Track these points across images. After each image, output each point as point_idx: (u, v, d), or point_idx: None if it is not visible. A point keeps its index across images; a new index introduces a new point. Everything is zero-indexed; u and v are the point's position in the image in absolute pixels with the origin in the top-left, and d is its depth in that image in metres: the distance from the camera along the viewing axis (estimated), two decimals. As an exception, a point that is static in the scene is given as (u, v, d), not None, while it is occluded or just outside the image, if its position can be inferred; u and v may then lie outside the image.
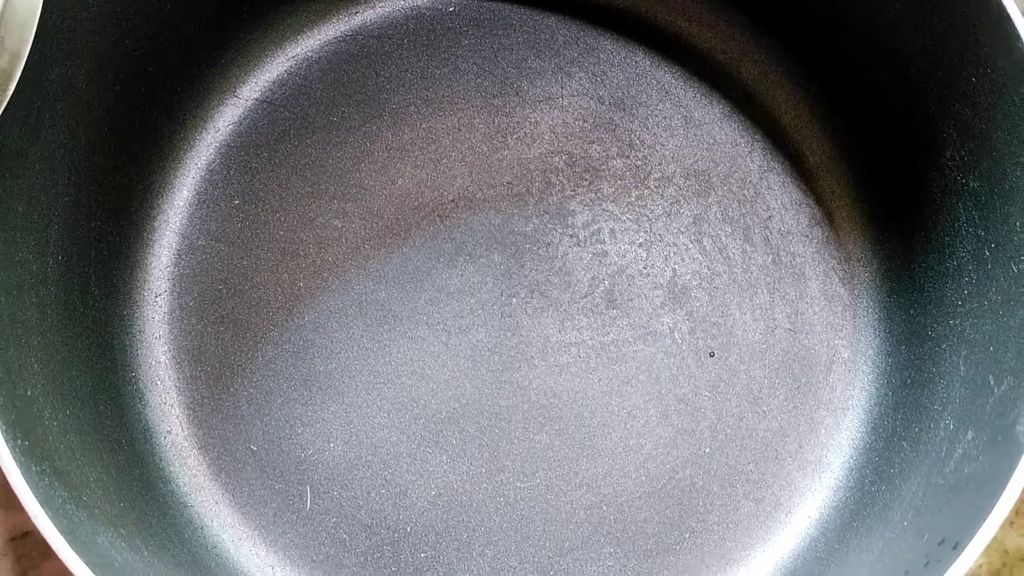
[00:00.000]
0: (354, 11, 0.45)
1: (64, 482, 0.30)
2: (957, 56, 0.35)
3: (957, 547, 0.28)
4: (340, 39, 0.45)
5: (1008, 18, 0.32)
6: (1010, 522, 0.41)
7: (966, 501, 0.29)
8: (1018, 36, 0.32)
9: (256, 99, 0.44)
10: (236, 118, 0.44)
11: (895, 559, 0.32)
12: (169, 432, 0.40)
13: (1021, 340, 0.31)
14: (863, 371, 0.41)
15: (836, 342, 0.41)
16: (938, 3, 0.35)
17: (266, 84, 0.44)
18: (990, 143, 0.34)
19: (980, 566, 0.40)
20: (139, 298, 0.41)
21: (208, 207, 0.43)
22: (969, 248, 0.36)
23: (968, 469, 0.31)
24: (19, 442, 0.29)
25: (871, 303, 0.41)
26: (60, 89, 0.36)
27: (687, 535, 0.39)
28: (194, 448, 0.40)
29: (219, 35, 0.43)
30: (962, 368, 0.35)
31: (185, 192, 0.43)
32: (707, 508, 0.39)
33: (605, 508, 0.39)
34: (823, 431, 0.40)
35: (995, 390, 0.32)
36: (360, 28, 0.45)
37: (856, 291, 0.42)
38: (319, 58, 0.45)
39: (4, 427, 0.29)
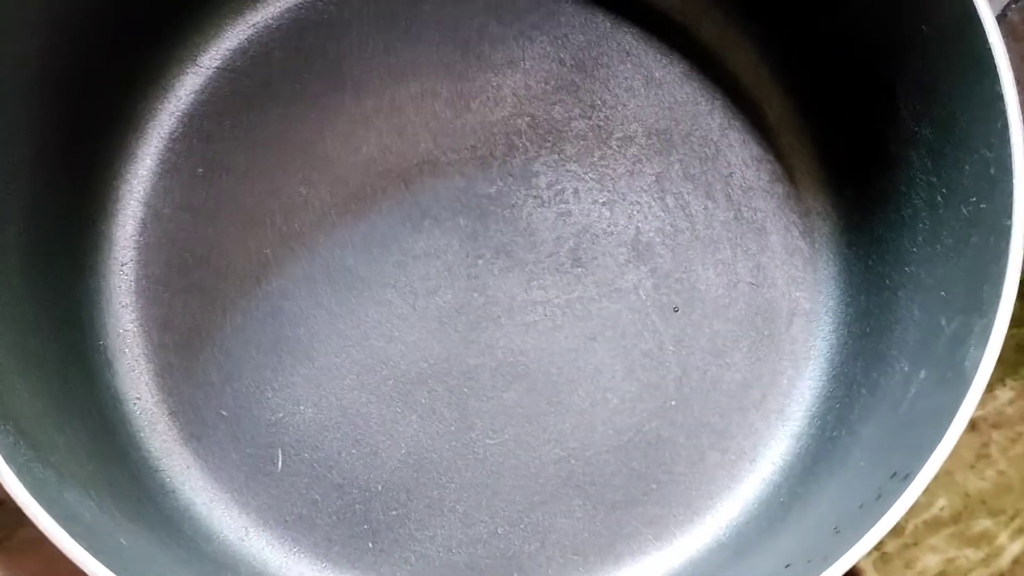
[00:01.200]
0: (314, -22, 0.45)
1: (31, 443, 0.31)
2: (907, 7, 0.36)
3: (907, 478, 0.28)
4: (300, 6, 0.45)
5: (954, -35, 0.32)
6: (971, 466, 0.42)
7: (918, 435, 0.30)
8: (963, -17, 0.32)
9: (217, 67, 0.44)
10: (197, 87, 0.44)
11: (851, 495, 0.33)
12: (139, 399, 0.40)
13: (970, 280, 0.32)
14: (824, 321, 0.41)
15: (797, 294, 0.42)
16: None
17: (227, 52, 0.44)
18: (940, 91, 0.35)
19: (942, 508, 0.41)
20: (105, 268, 0.41)
21: (172, 176, 0.43)
22: (923, 195, 0.36)
23: (920, 405, 0.32)
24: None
25: (830, 255, 0.42)
26: (14, 63, 0.36)
27: (654, 486, 0.40)
28: (164, 415, 0.40)
29: (178, 2, 0.43)
30: (916, 313, 0.35)
31: (148, 162, 0.43)
32: (673, 459, 0.40)
33: (573, 462, 0.40)
34: (785, 381, 0.41)
35: (945, 330, 0.32)
36: (321, -5, 0.45)
37: (816, 244, 0.42)
38: (279, 26, 0.45)
39: (-32, 388, 0.29)
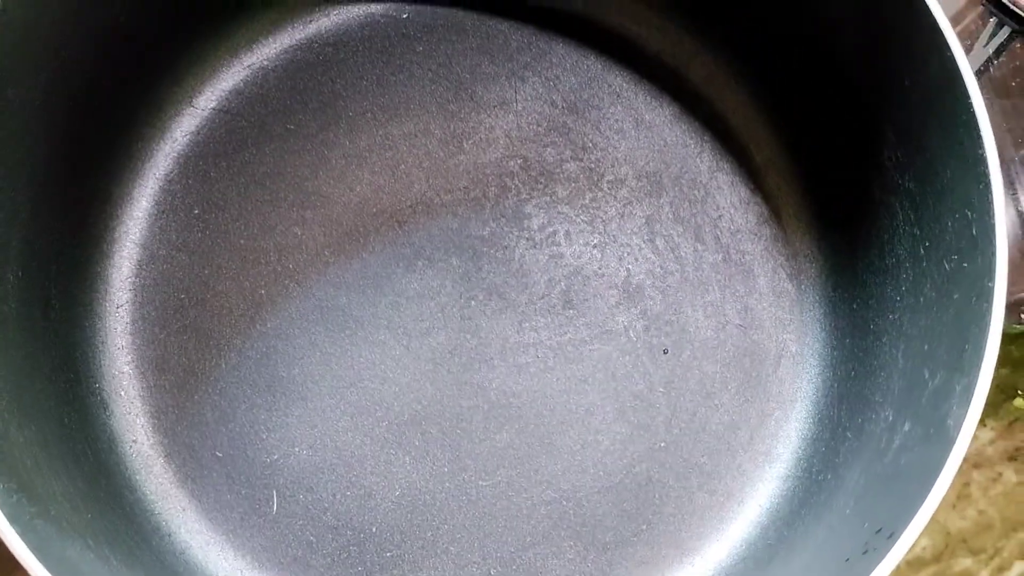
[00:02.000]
0: (309, 19, 0.46)
1: (31, 496, 0.31)
2: (892, 61, 0.37)
3: (892, 536, 0.29)
4: (296, 47, 0.46)
5: (938, 28, 0.33)
6: (952, 505, 0.43)
7: (902, 491, 0.31)
8: (947, 45, 0.33)
9: (213, 108, 0.45)
10: (193, 128, 0.44)
11: (838, 546, 0.33)
12: (135, 441, 0.40)
13: (952, 336, 0.33)
14: (810, 364, 0.42)
15: (784, 336, 0.43)
16: (873, 13, 0.36)
17: (223, 93, 0.45)
18: (923, 144, 0.36)
19: (924, 548, 0.42)
20: (101, 310, 0.41)
21: (168, 217, 0.43)
22: (906, 246, 0.37)
23: (904, 460, 0.33)
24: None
25: (817, 298, 0.43)
26: (17, 105, 0.36)
27: (644, 527, 0.40)
28: (160, 456, 0.41)
29: (174, 45, 0.43)
30: (900, 361, 0.36)
31: (144, 203, 0.43)
32: (663, 500, 0.41)
33: (565, 503, 0.41)
34: (773, 423, 0.42)
35: (929, 383, 0.33)
36: (315, 36, 0.46)
37: (803, 287, 0.43)
38: (275, 67, 0.45)
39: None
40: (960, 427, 0.30)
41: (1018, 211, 0.42)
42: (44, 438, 0.35)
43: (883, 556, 0.29)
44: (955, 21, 0.42)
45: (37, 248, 0.39)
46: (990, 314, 0.31)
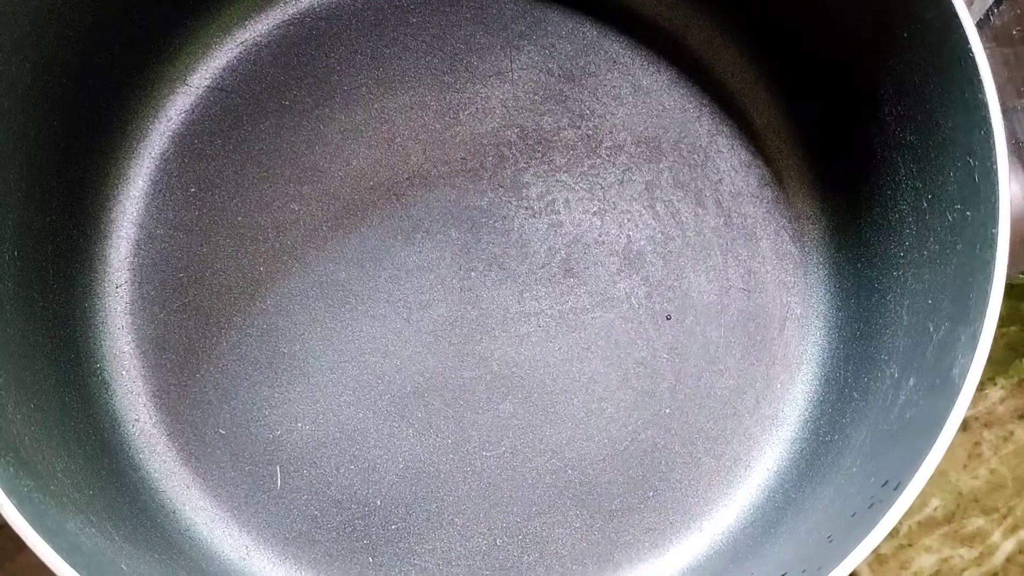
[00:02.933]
0: (301, -7, 0.45)
1: (30, 472, 0.31)
2: (889, 13, 0.36)
3: (899, 487, 0.29)
4: (288, 22, 0.45)
5: (935, -26, 0.32)
6: (963, 465, 0.42)
7: (908, 444, 0.30)
8: (945, -9, 0.32)
9: (207, 86, 0.44)
10: (188, 106, 0.44)
11: (844, 502, 0.33)
12: (137, 420, 0.40)
13: (956, 287, 0.32)
14: (815, 326, 0.42)
15: (788, 299, 0.42)
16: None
17: (216, 70, 0.45)
18: (923, 96, 0.35)
19: (935, 509, 0.42)
20: (100, 290, 0.41)
21: (164, 196, 0.43)
22: (909, 200, 0.37)
23: (910, 414, 0.32)
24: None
25: (820, 259, 0.42)
26: (6, 85, 0.36)
27: (651, 494, 0.40)
28: (163, 435, 0.41)
29: (166, 23, 0.43)
30: (905, 318, 0.36)
31: (140, 182, 0.43)
32: (669, 466, 0.40)
33: (570, 472, 0.40)
34: (779, 386, 0.41)
35: (934, 337, 0.33)
36: (308, 10, 0.45)
37: (806, 248, 0.43)
38: (268, 42, 0.45)
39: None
40: (966, 375, 0.29)
41: None
42: (44, 417, 0.35)
43: (889, 507, 0.28)
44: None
45: (33, 229, 0.39)
46: (994, 261, 0.30)
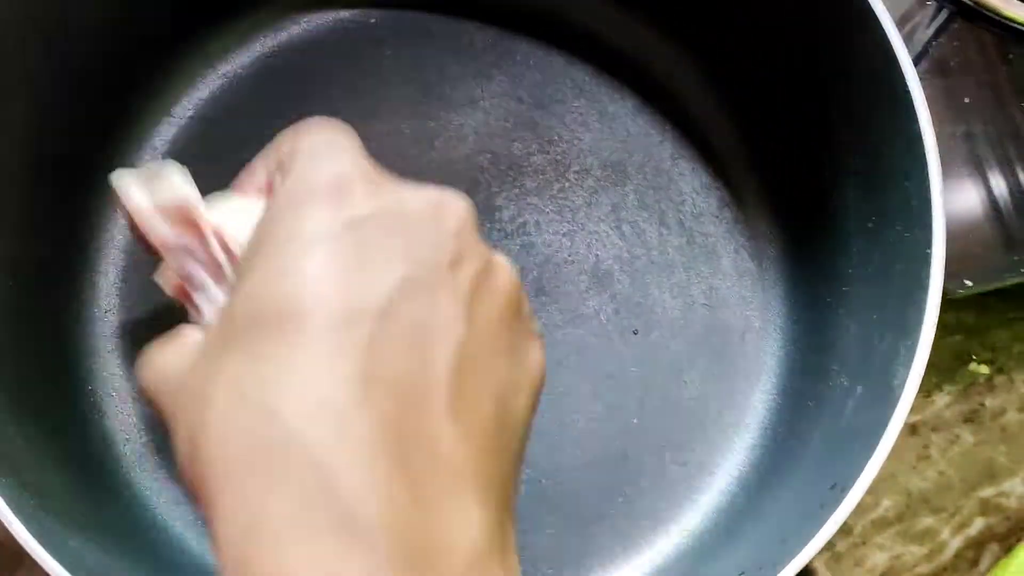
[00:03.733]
0: (280, 27, 0.47)
1: (33, 491, 0.32)
2: (835, 51, 0.39)
3: (844, 490, 0.31)
4: (268, 55, 0.47)
5: (875, 17, 0.35)
6: (912, 467, 0.45)
7: (854, 448, 0.33)
8: (883, 32, 0.35)
9: (190, 117, 0.46)
10: (171, 136, 0.46)
11: (798, 505, 0.35)
12: (128, 440, 0.42)
13: (897, 302, 0.35)
14: (773, 338, 0.44)
15: (748, 313, 0.45)
16: (813, 6, 0.38)
17: (199, 102, 0.46)
18: (867, 126, 0.38)
19: (887, 509, 0.44)
20: (89, 315, 0.43)
21: (151, 224, 0.44)
22: (856, 221, 0.39)
23: (857, 420, 0.35)
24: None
25: (777, 276, 0.45)
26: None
27: (620, 500, 0.42)
28: (152, 453, 0.42)
29: (150, 56, 0.45)
30: (853, 330, 0.38)
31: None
32: (638, 474, 0.43)
33: (544, 482, 0.42)
34: (740, 396, 0.43)
35: (878, 348, 0.35)
36: (287, 43, 0.47)
37: (764, 265, 0.45)
38: (248, 74, 0.47)
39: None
40: (904, 384, 0.32)
41: (991, 196, 0.44)
42: (42, 437, 0.37)
43: (835, 508, 0.31)
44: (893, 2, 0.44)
45: (23, 260, 0.40)
46: (929, 278, 0.33)
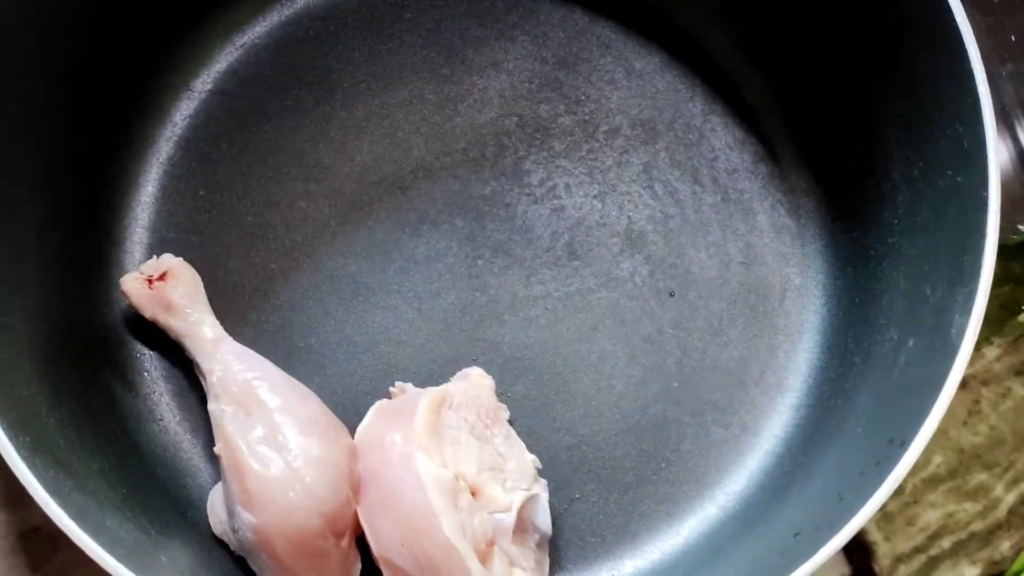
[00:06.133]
0: (297, -6, 0.46)
1: (68, 472, 0.32)
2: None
3: (903, 444, 0.30)
4: (286, 24, 0.46)
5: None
6: (963, 422, 0.44)
7: (911, 402, 0.32)
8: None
9: (210, 90, 0.45)
10: (192, 111, 0.45)
11: (851, 463, 0.34)
12: (160, 419, 0.41)
13: (950, 250, 0.34)
14: (814, 295, 0.43)
15: (787, 270, 0.43)
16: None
17: (218, 75, 0.45)
18: (910, 67, 0.36)
19: (938, 465, 0.43)
20: (117, 295, 0.42)
21: (174, 200, 0.44)
22: (900, 170, 0.38)
23: (911, 374, 0.33)
24: (21, 439, 0.30)
25: (817, 230, 0.44)
26: (18, 105, 0.37)
27: (663, 465, 0.41)
28: (186, 432, 0.42)
29: (169, 31, 0.44)
30: (902, 282, 0.37)
31: (150, 188, 0.44)
32: (680, 438, 0.42)
33: (584, 448, 0.41)
34: (782, 355, 0.42)
35: (931, 299, 0.34)
36: (304, 11, 0.46)
37: (802, 220, 0.44)
38: (267, 44, 0.46)
39: (6, 426, 0.30)
40: (964, 334, 0.31)
41: (1019, 147, 0.42)
42: (75, 419, 0.36)
43: (895, 464, 0.30)
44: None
45: (51, 240, 0.40)
46: (986, 222, 0.31)
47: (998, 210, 0.31)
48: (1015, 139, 0.42)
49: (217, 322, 0.40)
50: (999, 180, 0.31)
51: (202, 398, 0.41)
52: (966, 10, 0.34)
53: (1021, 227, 0.40)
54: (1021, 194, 0.42)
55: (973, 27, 0.34)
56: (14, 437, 0.30)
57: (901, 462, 0.30)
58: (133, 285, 0.40)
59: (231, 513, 0.36)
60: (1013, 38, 0.40)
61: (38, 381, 0.35)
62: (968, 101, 0.32)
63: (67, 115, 0.40)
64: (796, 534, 0.34)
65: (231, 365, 0.38)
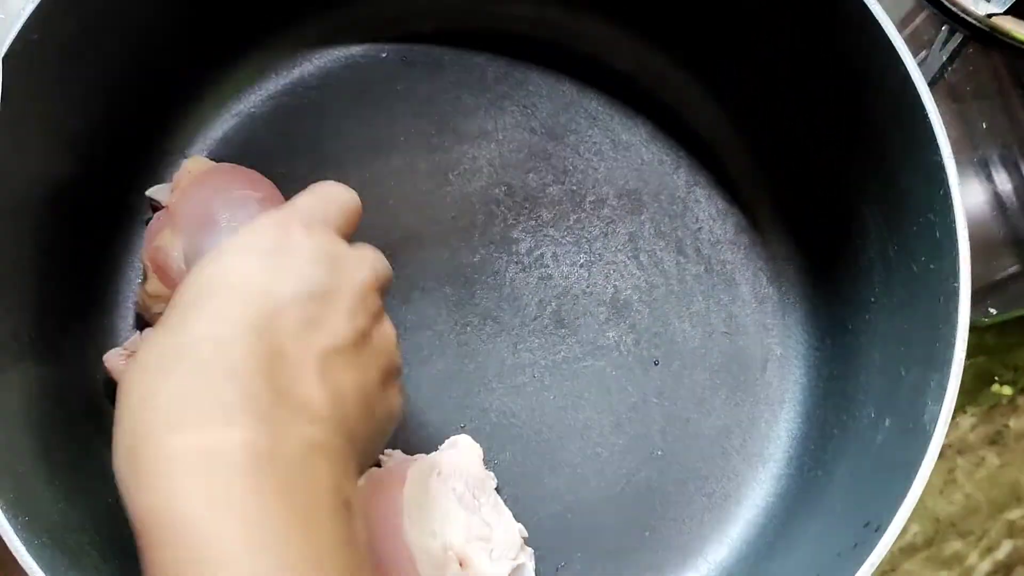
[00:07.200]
0: (292, 65, 0.47)
1: (63, 549, 0.32)
2: (851, 77, 0.39)
3: (879, 529, 0.31)
4: (281, 93, 0.47)
5: (892, 45, 0.35)
6: (939, 491, 0.45)
7: (887, 485, 0.33)
8: (900, 59, 0.35)
9: (205, 156, 0.46)
10: (187, 178, 0.46)
11: (831, 540, 0.35)
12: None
13: (924, 334, 0.35)
14: (795, 366, 0.44)
15: (769, 340, 0.44)
16: (827, 34, 0.38)
17: (213, 142, 0.46)
18: (885, 154, 0.38)
19: (915, 535, 0.44)
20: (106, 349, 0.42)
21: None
22: (877, 248, 0.39)
23: (887, 454, 0.35)
24: (20, 519, 0.31)
25: (797, 300, 0.45)
26: (28, 180, 0.38)
27: (647, 533, 0.42)
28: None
29: (163, 98, 0.45)
30: (878, 359, 0.38)
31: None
32: (663, 506, 0.42)
33: (570, 516, 0.42)
34: (763, 424, 0.43)
35: (905, 380, 0.35)
36: (299, 81, 0.47)
37: (783, 289, 0.45)
38: (262, 113, 0.47)
39: (5, 506, 0.30)
40: (936, 421, 0.32)
41: (994, 192, 0.44)
42: (67, 492, 0.37)
43: (872, 548, 0.31)
44: (903, 24, 0.44)
45: (46, 306, 0.40)
46: (957, 313, 0.32)
47: (968, 301, 0.33)
48: (991, 182, 0.43)
49: (201, 397, 0.40)
50: (969, 272, 0.33)
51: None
52: (937, 98, 0.35)
53: (992, 310, 0.41)
54: (998, 238, 0.43)
55: (945, 114, 0.35)
56: (13, 518, 0.30)
57: (877, 548, 0.30)
58: (116, 361, 0.40)
59: None
60: (984, 125, 0.42)
61: (34, 457, 0.35)
62: (939, 193, 0.34)
63: (64, 185, 0.41)
64: (776, 612, 0.35)
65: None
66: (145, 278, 0.42)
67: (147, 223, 0.44)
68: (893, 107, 0.37)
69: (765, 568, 0.39)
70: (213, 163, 0.43)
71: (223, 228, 0.40)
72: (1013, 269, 0.44)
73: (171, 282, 0.40)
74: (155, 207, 0.43)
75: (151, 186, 0.45)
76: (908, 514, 0.31)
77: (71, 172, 0.41)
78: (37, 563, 0.30)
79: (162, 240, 0.41)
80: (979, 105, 0.41)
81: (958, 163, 0.34)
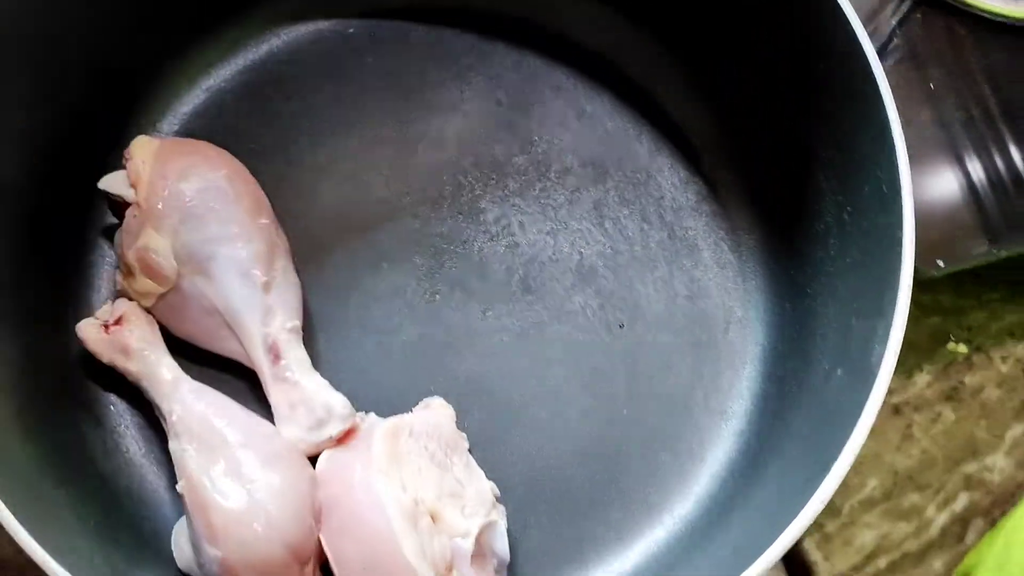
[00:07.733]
0: (261, 40, 0.48)
1: (41, 503, 0.33)
2: (803, 45, 0.40)
3: (827, 466, 0.32)
4: (250, 68, 0.48)
5: (840, 8, 0.36)
6: (896, 447, 0.46)
7: (838, 428, 0.34)
8: (848, 21, 0.36)
9: (176, 131, 0.47)
10: (158, 152, 0.46)
11: (787, 485, 0.36)
12: (126, 452, 0.42)
13: (874, 287, 0.36)
14: (755, 327, 0.45)
15: (730, 304, 0.46)
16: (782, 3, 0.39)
17: (184, 117, 0.47)
18: (837, 118, 0.39)
19: (874, 488, 0.45)
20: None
21: (141, 239, 0.45)
22: (832, 212, 0.40)
23: (839, 401, 0.36)
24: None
25: (757, 267, 0.46)
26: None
27: (613, 490, 0.43)
28: (152, 465, 0.43)
29: (135, 74, 0.45)
30: (832, 316, 0.39)
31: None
32: (629, 464, 0.44)
33: (539, 475, 0.43)
34: (725, 383, 0.45)
35: (856, 331, 0.36)
36: (268, 56, 0.48)
37: (744, 257, 0.46)
38: (232, 88, 0.48)
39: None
40: (882, 361, 0.33)
41: (968, 180, 0.45)
42: (45, 454, 0.37)
43: (820, 484, 0.32)
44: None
45: (28, 280, 0.41)
46: (901, 259, 0.34)
47: (912, 248, 0.34)
48: (965, 172, 0.45)
49: (175, 363, 0.41)
50: (913, 220, 0.34)
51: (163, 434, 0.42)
52: (887, 63, 0.36)
53: (940, 263, 0.43)
54: (972, 223, 0.45)
55: (898, 77, 0.36)
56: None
57: (824, 483, 0.32)
58: (89, 331, 0.41)
59: (196, 549, 0.37)
60: (933, 86, 0.43)
61: (11, 421, 0.36)
62: (885, 149, 0.35)
63: (39, 158, 0.42)
64: (735, 550, 0.36)
65: (191, 404, 0.39)
66: (128, 273, 0.41)
67: (109, 207, 0.43)
68: (843, 73, 0.38)
69: (727, 517, 0.40)
70: (156, 140, 0.43)
71: (206, 219, 0.40)
72: (983, 249, 0.45)
73: (166, 281, 0.40)
74: (111, 199, 0.42)
75: (119, 163, 0.46)
76: (857, 449, 0.32)
77: (37, 151, 0.41)
78: (12, 512, 0.30)
79: (146, 240, 0.40)
80: (938, 71, 0.43)
81: (916, 123, 0.36)
